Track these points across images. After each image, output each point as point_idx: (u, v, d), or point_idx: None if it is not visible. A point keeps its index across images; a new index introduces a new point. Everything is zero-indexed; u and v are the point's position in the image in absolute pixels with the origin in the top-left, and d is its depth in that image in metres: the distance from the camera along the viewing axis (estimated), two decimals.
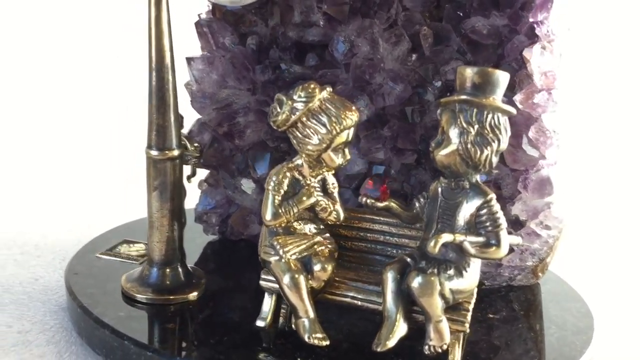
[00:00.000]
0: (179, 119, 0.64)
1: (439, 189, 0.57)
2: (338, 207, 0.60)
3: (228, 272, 0.73)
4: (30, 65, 1.27)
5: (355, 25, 0.69)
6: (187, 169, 0.77)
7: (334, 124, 0.55)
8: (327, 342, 0.56)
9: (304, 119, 0.56)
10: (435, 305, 0.54)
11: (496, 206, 0.55)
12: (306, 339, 0.56)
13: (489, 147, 0.53)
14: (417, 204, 0.58)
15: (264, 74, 0.73)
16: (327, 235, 0.60)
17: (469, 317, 0.57)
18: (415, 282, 0.54)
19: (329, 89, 0.57)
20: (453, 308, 0.57)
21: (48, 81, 1.26)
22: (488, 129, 0.53)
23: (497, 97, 0.54)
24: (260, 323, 0.60)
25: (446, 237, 0.53)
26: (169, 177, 0.64)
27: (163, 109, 0.62)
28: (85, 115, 1.22)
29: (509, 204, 0.66)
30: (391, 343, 0.55)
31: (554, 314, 0.68)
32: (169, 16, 0.61)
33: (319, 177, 0.59)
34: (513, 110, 0.55)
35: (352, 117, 0.56)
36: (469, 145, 0.53)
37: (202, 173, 0.78)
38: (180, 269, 0.67)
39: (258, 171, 0.74)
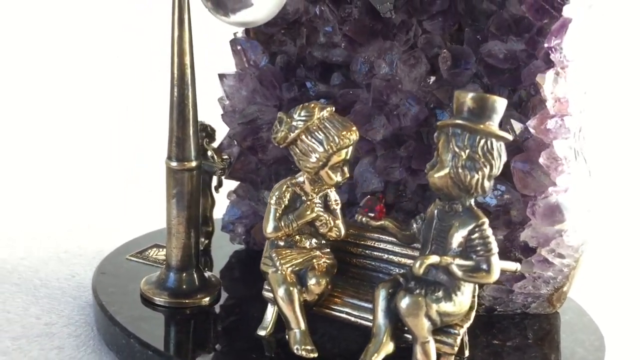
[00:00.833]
0: (198, 132, 0.68)
1: (435, 211, 0.57)
2: (339, 223, 0.61)
3: (250, 281, 0.76)
4: (52, 72, 1.31)
5: (376, 47, 0.71)
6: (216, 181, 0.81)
7: (331, 143, 0.57)
8: (315, 355, 0.57)
9: (303, 137, 0.58)
10: (421, 326, 0.55)
11: (488, 231, 0.55)
12: (295, 350, 0.57)
13: (480, 172, 0.54)
14: (414, 225, 0.59)
15: (289, 91, 0.76)
16: (328, 250, 0.62)
17: (458, 340, 0.57)
18: (402, 301, 0.55)
19: (330, 109, 0.59)
20: (443, 330, 0.57)
21: (72, 92, 1.30)
22: (480, 153, 0.53)
23: (493, 123, 0.54)
24: (261, 332, 0.63)
25: (432, 259, 0.54)
26: (186, 187, 0.67)
27: (182, 122, 0.66)
28: (115, 126, 1.25)
29: (519, 230, 0.66)
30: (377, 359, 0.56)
31: (564, 345, 0.67)
32: (190, 35, 0.64)
33: (320, 194, 0.61)
34: (508, 137, 0.55)
35: (349, 137, 0.58)
36: (459, 169, 0.54)
37: (233, 184, 0.82)
38: (195, 275, 0.70)
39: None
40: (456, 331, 0.57)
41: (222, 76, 0.79)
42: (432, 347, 0.56)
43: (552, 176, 0.63)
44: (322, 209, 0.60)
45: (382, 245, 0.64)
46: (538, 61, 0.65)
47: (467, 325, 0.58)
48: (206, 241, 0.82)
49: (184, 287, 0.69)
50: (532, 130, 0.63)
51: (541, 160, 0.63)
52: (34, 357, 0.64)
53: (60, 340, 0.67)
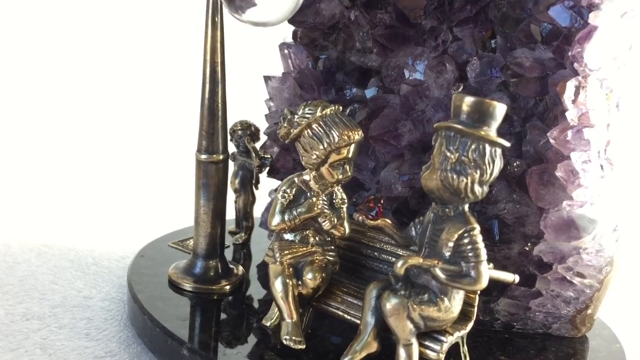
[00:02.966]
0: (226, 127, 0.71)
1: (431, 215, 0.57)
2: (343, 222, 0.62)
3: None
4: (89, 69, 1.36)
5: (407, 53, 0.71)
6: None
7: (329, 141, 0.58)
8: (302, 346, 0.59)
9: (305, 133, 0.59)
10: (403, 328, 0.55)
11: (478, 237, 0.54)
12: (283, 340, 0.59)
13: (469, 176, 0.53)
14: (413, 229, 0.59)
15: (327, 95, 0.78)
16: (331, 247, 0.63)
17: (444, 348, 0.56)
18: (386, 301, 0.55)
19: (335, 107, 0.60)
20: (430, 335, 0.56)
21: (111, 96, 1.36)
22: (469, 157, 0.53)
23: (490, 128, 0.53)
24: (266, 322, 0.65)
25: (414, 260, 0.54)
26: (212, 179, 0.71)
27: (211, 117, 0.69)
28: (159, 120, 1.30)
29: (534, 244, 0.63)
30: (358, 357, 0.56)
31: None
32: (222, 35, 0.68)
33: (327, 191, 0.62)
34: (504, 143, 0.53)
35: (349, 136, 0.59)
36: (448, 172, 0.53)
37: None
38: (219, 264, 0.73)
39: None
40: (444, 338, 0.56)
41: (267, 78, 0.82)
42: (414, 350, 0.55)
43: (568, 189, 0.60)
44: (327, 207, 0.62)
45: (390, 248, 0.64)
46: (565, 70, 0.62)
47: (459, 334, 0.57)
48: (245, 235, 0.85)
49: (204, 273, 0.73)
50: (552, 141, 0.61)
51: (558, 172, 0.60)
52: (64, 324, 0.70)
53: (92, 312, 0.73)
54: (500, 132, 0.64)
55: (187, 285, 0.72)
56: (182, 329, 0.64)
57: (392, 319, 0.55)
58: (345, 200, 0.63)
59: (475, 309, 0.59)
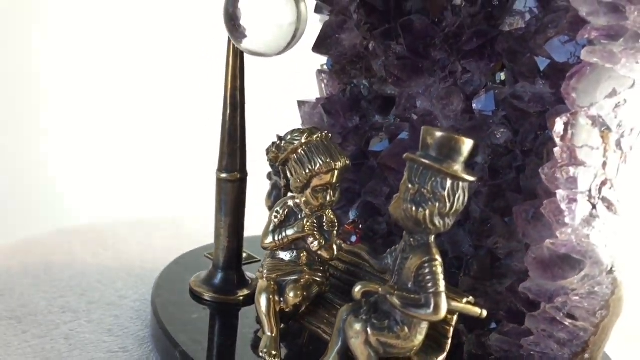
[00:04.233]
0: (244, 148, 0.76)
1: (402, 243, 0.58)
2: (331, 244, 0.65)
3: None
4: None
5: (420, 83, 0.73)
6: None
7: (308, 166, 0.61)
8: None
9: (291, 158, 0.63)
10: (360, 350, 0.56)
11: (437, 269, 0.54)
12: (260, 352, 0.62)
13: (427, 208, 0.54)
14: (388, 256, 0.60)
15: (351, 121, 0.81)
16: (319, 268, 0.66)
17: None
18: (347, 324, 0.57)
19: (324, 134, 0.63)
20: None
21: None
22: (428, 189, 0.54)
23: (455, 162, 0.54)
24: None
25: (371, 287, 0.55)
26: (230, 196, 0.76)
27: (230, 139, 0.75)
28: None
29: (522, 280, 0.62)
30: None
31: None
32: (242, 63, 0.73)
33: (317, 214, 0.65)
34: (468, 178, 0.54)
35: (329, 163, 0.61)
36: (407, 203, 0.54)
37: None
38: (235, 275, 0.78)
39: None
40: None
41: (301, 103, 0.87)
42: None
43: (553, 228, 0.59)
44: (315, 228, 0.65)
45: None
46: (564, 106, 0.61)
47: None
48: None
49: (225, 284, 0.78)
50: (542, 177, 0.60)
51: (544, 209, 0.59)
52: (94, 319, 0.77)
53: (122, 310, 0.80)
54: (501, 166, 0.64)
55: (205, 295, 0.77)
56: (181, 333, 0.69)
57: (352, 342, 0.56)
58: (336, 224, 0.65)
59: (449, 341, 0.59)
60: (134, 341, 0.74)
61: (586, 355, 0.64)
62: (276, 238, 0.65)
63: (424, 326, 0.56)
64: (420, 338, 0.56)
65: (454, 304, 0.57)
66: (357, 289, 0.56)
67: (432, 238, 0.56)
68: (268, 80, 0.98)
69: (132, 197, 1.18)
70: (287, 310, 0.64)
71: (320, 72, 0.86)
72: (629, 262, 0.65)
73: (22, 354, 0.69)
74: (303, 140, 0.62)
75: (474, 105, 0.68)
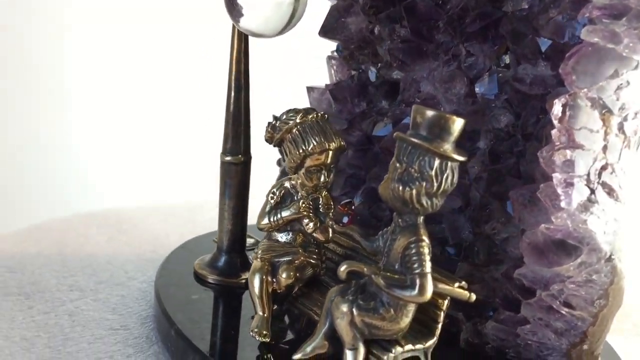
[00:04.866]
0: (248, 132, 0.76)
1: (393, 225, 0.57)
2: (326, 226, 0.64)
3: None
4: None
5: (424, 67, 0.72)
6: None
7: (302, 146, 0.61)
8: (267, 340, 0.61)
9: (286, 138, 0.63)
10: (345, 331, 0.56)
11: (423, 249, 0.54)
12: (250, 331, 0.62)
13: (414, 187, 0.53)
14: (380, 238, 0.60)
15: (358, 107, 0.80)
16: (314, 250, 0.65)
17: (388, 358, 0.56)
18: (334, 305, 0.57)
19: (319, 114, 0.63)
20: (381, 344, 0.57)
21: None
22: (416, 168, 0.53)
23: (444, 142, 0.53)
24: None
25: (356, 266, 0.55)
26: (234, 179, 0.76)
27: (234, 122, 0.75)
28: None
29: (518, 267, 0.61)
30: (302, 355, 0.58)
31: None
32: (247, 47, 0.74)
33: (312, 195, 0.65)
34: (458, 158, 0.53)
35: (322, 143, 0.61)
36: (395, 182, 0.54)
37: None
38: (238, 258, 0.78)
39: (333, 192, 0.81)
40: (393, 349, 0.56)
41: (310, 89, 0.86)
42: (360, 355, 0.56)
43: (549, 212, 0.58)
44: (310, 210, 0.64)
45: None
46: (564, 88, 0.60)
47: (412, 347, 0.57)
48: None
49: (229, 267, 0.78)
50: (541, 161, 0.59)
51: (540, 193, 0.58)
52: (100, 298, 0.79)
53: (129, 291, 0.81)
54: (501, 151, 0.63)
55: (209, 277, 0.77)
56: (179, 312, 0.69)
57: (337, 322, 0.56)
58: (332, 206, 0.65)
59: (440, 325, 0.59)
60: (136, 320, 0.75)
61: (585, 346, 0.62)
62: (271, 219, 0.65)
63: (411, 309, 0.55)
64: (406, 321, 0.56)
65: (441, 286, 0.56)
66: (342, 268, 0.55)
67: (421, 219, 0.55)
68: (274, 65, 0.98)
69: (150, 184, 1.19)
70: (280, 291, 0.64)
71: (330, 58, 0.86)
72: (634, 252, 0.63)
73: (26, 328, 0.70)
74: (298, 120, 0.62)
75: (476, 89, 0.67)
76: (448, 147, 0.53)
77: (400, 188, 0.53)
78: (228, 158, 0.76)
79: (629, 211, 0.62)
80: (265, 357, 0.62)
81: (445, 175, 0.53)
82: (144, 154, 1.33)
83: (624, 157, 0.60)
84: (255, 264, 0.65)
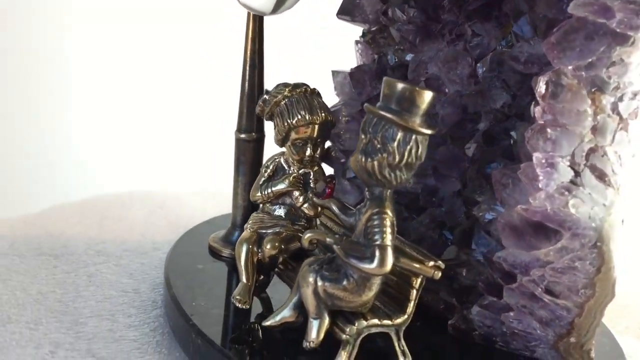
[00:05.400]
0: None
1: (365, 198, 0.57)
2: (314, 201, 0.65)
3: None
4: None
5: (433, 48, 0.71)
6: None
7: (287, 119, 0.62)
8: (246, 307, 0.63)
9: (274, 111, 0.64)
10: (310, 300, 0.56)
11: (386, 222, 0.53)
12: (232, 298, 0.64)
13: (375, 158, 0.53)
14: (357, 213, 0.59)
15: (375, 89, 0.80)
16: (304, 224, 0.66)
17: (353, 331, 0.56)
18: (300, 274, 0.57)
19: (308, 89, 0.64)
20: (347, 317, 0.57)
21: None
22: (379, 139, 0.53)
23: (411, 114, 0.52)
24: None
25: (318, 235, 0.55)
26: (247, 156, 0.78)
27: (249, 99, 0.77)
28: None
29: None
30: (272, 322, 0.59)
31: None
32: (261, 26, 0.76)
33: (302, 170, 0.66)
34: (423, 131, 0.52)
35: (306, 117, 0.62)
36: (359, 154, 0.54)
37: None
38: None
39: (348, 174, 0.81)
40: (355, 322, 0.56)
41: (335, 73, 0.87)
42: (323, 325, 0.56)
43: (529, 193, 0.55)
44: (300, 185, 0.65)
45: None
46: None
47: (377, 322, 0.56)
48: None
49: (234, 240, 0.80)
50: (526, 138, 0.57)
51: (520, 173, 0.56)
52: (122, 264, 0.83)
53: (150, 259, 0.85)
54: (497, 132, 0.62)
55: (224, 251, 0.80)
56: (180, 279, 0.72)
57: (302, 291, 0.57)
58: (320, 182, 0.65)
59: (412, 303, 0.58)
60: (148, 285, 0.78)
61: (572, 339, 0.59)
62: (263, 192, 0.67)
63: (375, 282, 0.55)
64: (369, 294, 0.55)
65: (404, 260, 0.55)
66: (306, 237, 0.56)
67: (388, 192, 0.54)
68: (288, 46, 0.98)
69: (201, 169, 1.23)
70: (265, 262, 0.65)
71: (356, 42, 0.86)
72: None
73: (45, 283, 0.76)
74: (286, 93, 0.63)
75: (478, 69, 0.65)
76: (415, 119, 0.52)
77: (364, 159, 0.53)
78: (242, 135, 0.78)
79: (630, 199, 0.58)
80: (244, 325, 0.63)
81: (409, 147, 0.52)
82: (187, 141, 1.36)
83: (620, 140, 0.56)
84: (244, 233, 0.66)
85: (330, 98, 0.90)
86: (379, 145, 0.52)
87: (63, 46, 1.31)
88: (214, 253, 0.80)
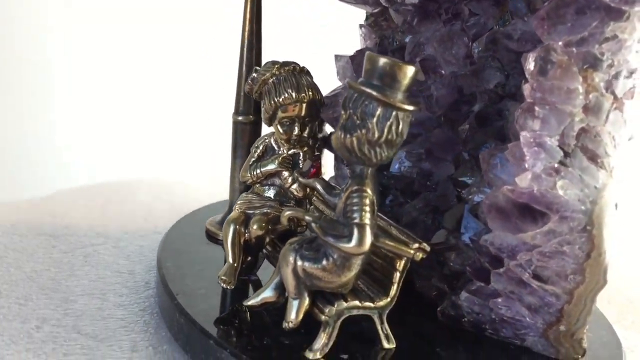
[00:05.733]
0: None
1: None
2: (302, 182, 0.64)
3: None
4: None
5: (430, 29, 0.69)
6: None
7: (274, 98, 0.61)
8: (230, 287, 0.62)
9: (263, 90, 0.63)
10: (288, 280, 0.55)
11: (365, 200, 0.52)
12: (217, 277, 0.63)
13: (354, 134, 0.51)
14: (342, 193, 0.58)
15: None
16: (293, 206, 0.65)
17: (330, 312, 0.55)
18: (281, 253, 0.56)
19: (296, 67, 0.63)
20: (326, 298, 0.56)
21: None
22: (358, 115, 0.51)
23: (392, 90, 0.51)
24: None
25: (297, 213, 0.54)
26: (245, 139, 0.78)
27: (246, 81, 0.76)
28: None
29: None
30: (253, 302, 0.58)
31: None
32: (259, 7, 0.75)
33: (291, 151, 0.65)
34: (404, 107, 0.51)
35: (292, 95, 0.61)
36: (339, 130, 0.52)
37: None
38: None
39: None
40: (335, 303, 0.55)
41: (337, 57, 0.86)
42: (302, 305, 0.55)
43: (515, 173, 0.53)
44: (289, 165, 0.64)
45: None
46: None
47: (358, 303, 0.55)
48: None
49: None
50: (516, 115, 0.55)
51: (507, 153, 0.54)
52: (121, 245, 0.83)
53: (150, 242, 0.85)
54: (489, 113, 0.60)
55: (220, 235, 0.79)
56: (170, 260, 0.72)
57: (282, 270, 0.56)
58: (311, 163, 0.64)
59: (395, 286, 0.56)
60: (144, 267, 0.78)
61: (562, 327, 0.57)
62: (252, 173, 0.66)
63: (355, 262, 0.54)
64: (349, 275, 0.54)
65: (383, 240, 0.53)
66: (285, 214, 0.55)
67: (369, 170, 0.53)
68: (286, 28, 0.97)
69: (210, 156, 1.23)
70: (251, 242, 0.64)
71: (361, 26, 0.85)
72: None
73: (41, 262, 0.76)
74: (274, 71, 0.63)
75: (473, 49, 0.63)
76: (396, 95, 0.51)
77: (343, 135, 0.52)
78: (239, 118, 0.78)
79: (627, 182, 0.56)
80: (229, 307, 0.63)
81: (389, 123, 0.51)
82: (195, 128, 1.34)
83: (614, 120, 0.54)
84: (232, 214, 0.66)
85: (334, 83, 0.90)
86: (358, 121, 0.51)
87: (71, 36, 1.32)
88: (210, 236, 0.80)
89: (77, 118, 1.29)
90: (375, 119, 0.51)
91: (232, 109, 0.78)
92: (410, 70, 0.51)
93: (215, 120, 1.11)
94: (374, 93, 0.51)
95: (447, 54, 0.65)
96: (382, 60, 0.51)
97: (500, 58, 0.61)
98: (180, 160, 1.21)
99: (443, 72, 0.66)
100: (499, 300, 0.58)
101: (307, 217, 0.54)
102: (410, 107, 0.51)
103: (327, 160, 0.85)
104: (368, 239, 0.51)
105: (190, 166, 1.19)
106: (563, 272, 0.54)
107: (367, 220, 0.51)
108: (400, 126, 0.51)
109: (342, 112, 0.53)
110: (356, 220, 0.52)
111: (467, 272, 0.60)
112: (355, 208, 0.52)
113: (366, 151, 0.52)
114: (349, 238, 0.52)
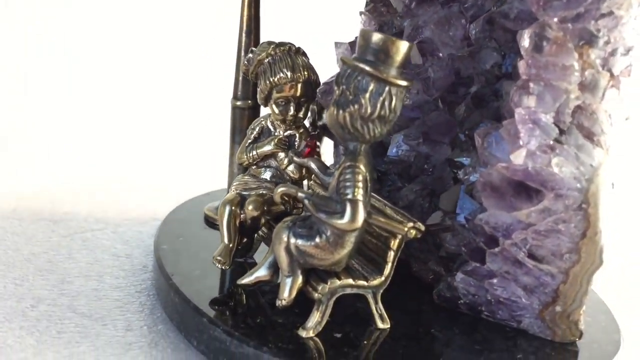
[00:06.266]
0: None
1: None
2: (296, 160, 0.64)
3: None
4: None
5: (429, 12, 0.69)
6: None
7: (270, 78, 0.61)
8: (225, 267, 0.62)
9: (258, 70, 0.63)
10: (281, 258, 0.55)
11: (358, 176, 0.52)
12: (212, 258, 0.63)
13: (347, 110, 0.51)
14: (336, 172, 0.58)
15: None
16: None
17: (323, 290, 0.54)
18: (275, 230, 0.56)
19: (291, 47, 0.63)
20: (320, 276, 0.55)
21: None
22: (351, 90, 0.51)
23: (386, 65, 0.51)
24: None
25: (288, 189, 0.54)
26: (243, 124, 0.77)
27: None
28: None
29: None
30: (246, 281, 0.58)
31: None
32: None
33: (287, 132, 0.65)
34: (397, 82, 0.50)
35: (287, 75, 0.61)
36: (332, 106, 0.52)
37: None
38: None
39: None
40: (328, 281, 0.55)
41: (337, 44, 0.86)
42: (296, 283, 0.55)
43: (511, 149, 0.53)
44: (285, 147, 0.64)
45: None
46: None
47: (352, 282, 0.55)
48: None
49: None
50: (511, 93, 0.55)
51: (502, 130, 0.54)
52: (120, 231, 0.83)
53: (149, 228, 0.85)
54: (485, 94, 0.60)
55: (209, 215, 0.79)
56: (166, 243, 0.72)
57: (275, 248, 0.56)
58: (306, 144, 0.64)
59: (390, 265, 0.56)
60: (142, 251, 0.78)
61: (557, 308, 0.56)
62: (248, 154, 0.66)
63: (348, 240, 0.53)
64: (342, 252, 0.54)
65: (376, 217, 0.53)
66: (278, 191, 0.55)
67: (363, 147, 0.53)
68: (288, 14, 0.97)
69: (217, 144, 1.23)
70: (247, 224, 0.64)
71: (361, 13, 0.85)
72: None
73: (39, 245, 0.76)
74: (269, 51, 0.63)
75: (471, 31, 0.63)
76: (389, 70, 0.51)
77: (335, 111, 0.52)
78: (238, 103, 0.78)
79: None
80: (224, 287, 0.63)
81: (382, 99, 0.50)
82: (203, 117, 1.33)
83: (610, 98, 0.53)
84: (228, 195, 0.66)
85: (334, 70, 0.89)
86: (351, 97, 0.51)
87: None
88: (209, 222, 0.80)
89: (77, 101, 1.29)
90: (368, 94, 0.50)
91: (230, 94, 0.78)
92: (403, 46, 0.51)
93: (214, 105, 1.11)
94: (367, 68, 0.50)
95: (444, 36, 0.65)
96: (376, 36, 0.51)
97: (497, 38, 0.60)
98: (179, 147, 1.21)
99: (440, 54, 0.66)
100: (495, 280, 0.58)
101: (299, 194, 0.54)
102: (404, 83, 0.51)
103: (327, 147, 0.86)
104: (361, 215, 0.51)
105: (190, 152, 1.18)
106: (558, 251, 0.54)
107: (359, 197, 0.51)
108: (394, 102, 0.51)
109: (335, 88, 0.52)
110: (349, 196, 0.51)
111: (463, 253, 0.59)
112: (348, 184, 0.52)
113: (359, 127, 0.51)
114: (341, 214, 0.52)
